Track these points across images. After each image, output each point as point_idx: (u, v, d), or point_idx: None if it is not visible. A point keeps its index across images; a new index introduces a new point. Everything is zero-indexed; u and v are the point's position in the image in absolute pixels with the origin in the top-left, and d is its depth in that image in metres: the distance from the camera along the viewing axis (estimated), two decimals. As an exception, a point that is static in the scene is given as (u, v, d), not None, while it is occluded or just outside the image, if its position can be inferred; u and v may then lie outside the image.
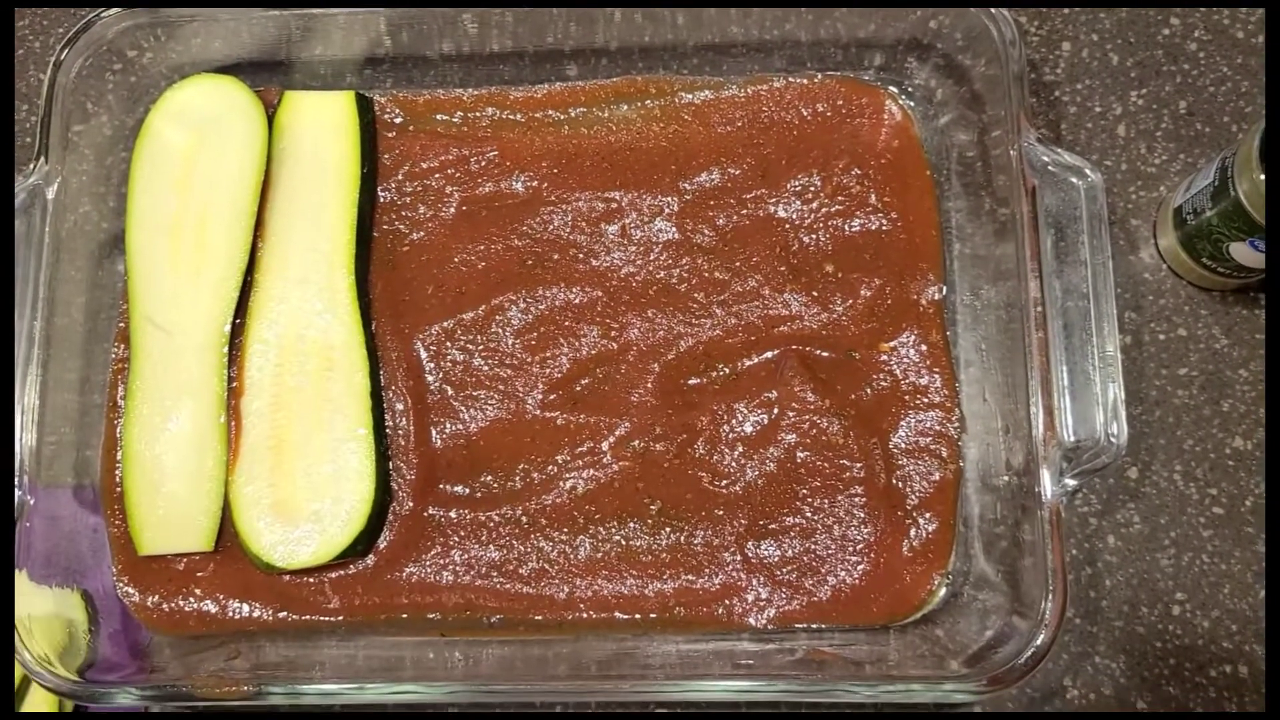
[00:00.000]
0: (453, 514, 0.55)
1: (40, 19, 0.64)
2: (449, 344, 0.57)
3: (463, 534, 0.55)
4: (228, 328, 0.55)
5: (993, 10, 0.53)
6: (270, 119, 0.58)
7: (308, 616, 0.54)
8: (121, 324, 0.57)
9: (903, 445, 0.55)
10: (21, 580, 0.51)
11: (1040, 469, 0.49)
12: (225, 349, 0.55)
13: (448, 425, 0.56)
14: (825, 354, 0.56)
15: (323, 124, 0.57)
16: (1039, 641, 0.48)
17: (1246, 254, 0.52)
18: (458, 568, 0.54)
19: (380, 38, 0.59)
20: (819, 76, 0.59)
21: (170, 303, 0.55)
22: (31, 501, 0.52)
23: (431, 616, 0.54)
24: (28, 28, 0.64)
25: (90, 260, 0.58)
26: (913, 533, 0.54)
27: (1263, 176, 0.48)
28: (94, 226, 0.58)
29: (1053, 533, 0.48)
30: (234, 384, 0.55)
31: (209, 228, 0.56)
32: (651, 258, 0.57)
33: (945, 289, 0.57)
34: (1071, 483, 0.49)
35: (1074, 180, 0.51)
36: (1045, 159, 0.52)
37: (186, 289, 0.55)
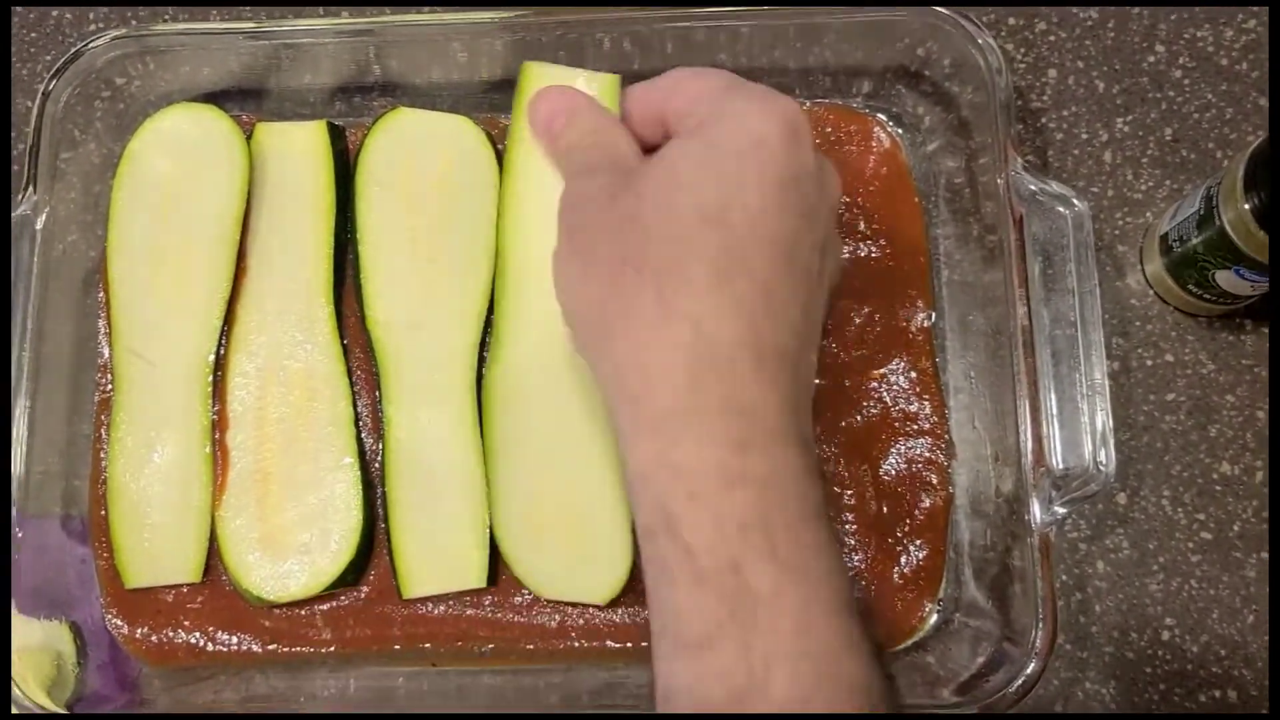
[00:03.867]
0: (444, 543, 0.55)
1: (28, 46, 0.64)
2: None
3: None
4: (212, 357, 0.55)
5: (980, 40, 0.54)
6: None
7: (299, 649, 0.54)
8: (101, 361, 0.57)
9: (893, 472, 0.55)
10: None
11: (1030, 497, 0.49)
12: (210, 379, 0.55)
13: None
14: (816, 381, 0.56)
15: (296, 153, 0.57)
16: (1029, 670, 0.48)
17: (1232, 281, 0.53)
18: (450, 597, 0.54)
19: (370, 65, 0.59)
20: (807, 104, 0.60)
21: (152, 333, 0.55)
22: (19, 533, 0.52)
23: (423, 646, 0.54)
24: (15, 55, 0.64)
25: (78, 289, 0.57)
26: (903, 560, 0.54)
27: (1247, 206, 0.49)
28: (81, 255, 0.58)
29: (1042, 561, 0.49)
30: (217, 417, 0.55)
31: (191, 257, 0.55)
32: (642, 285, 0.57)
33: (934, 315, 0.57)
34: (1061, 510, 0.49)
35: (1061, 209, 0.52)
36: (1032, 187, 0.52)
37: (169, 318, 0.55)
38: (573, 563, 0.52)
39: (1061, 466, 0.49)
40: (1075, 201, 0.51)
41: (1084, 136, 0.60)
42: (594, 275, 0.39)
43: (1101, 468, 0.49)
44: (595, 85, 0.50)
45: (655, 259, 0.37)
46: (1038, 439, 0.50)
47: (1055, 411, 0.50)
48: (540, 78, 0.51)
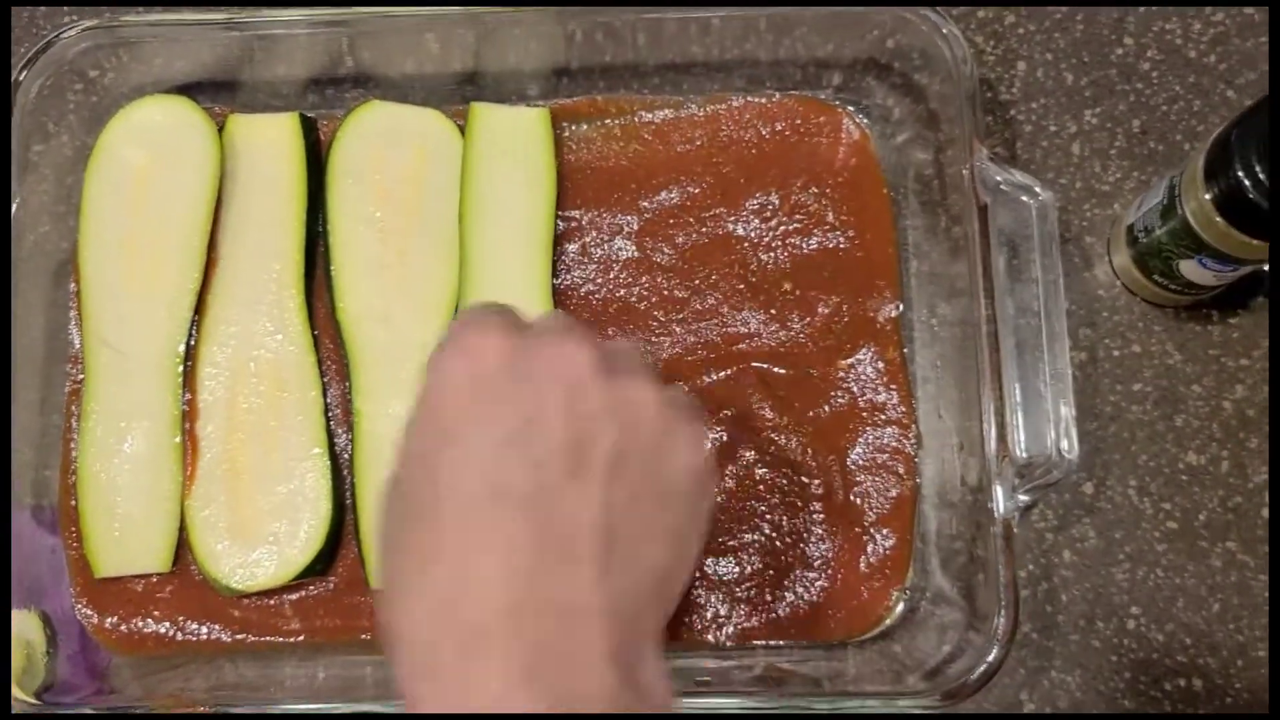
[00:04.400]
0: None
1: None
2: (409, 363, 0.57)
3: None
4: (182, 347, 0.55)
5: (944, 30, 0.54)
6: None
7: (268, 638, 0.54)
8: (71, 352, 0.57)
9: (860, 462, 0.55)
10: (-21, 602, 0.51)
11: (993, 485, 0.50)
12: (180, 369, 0.55)
13: (408, 444, 0.56)
14: (783, 371, 0.56)
15: (268, 145, 0.58)
16: (991, 657, 0.48)
17: (1195, 271, 0.53)
18: (417, 587, 0.54)
19: (343, 56, 0.60)
20: (777, 95, 0.60)
21: (123, 323, 0.55)
22: (-11, 523, 0.52)
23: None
24: (-11, 47, 0.64)
25: (49, 280, 0.58)
26: (870, 549, 0.55)
27: (1208, 195, 0.49)
28: (54, 246, 0.58)
29: (1005, 548, 0.49)
30: (187, 407, 0.55)
31: (162, 248, 0.56)
32: (611, 276, 0.58)
33: (902, 306, 0.57)
34: (1024, 498, 0.49)
35: (1025, 199, 0.52)
36: (998, 178, 0.52)
37: (140, 309, 0.55)
38: None
39: (1025, 455, 0.49)
40: (1039, 191, 0.52)
41: (1052, 128, 0.61)
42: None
43: (1065, 455, 0.49)
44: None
45: None
46: (1001, 428, 0.50)
47: (1019, 400, 0.50)
48: (485, 116, 0.57)
